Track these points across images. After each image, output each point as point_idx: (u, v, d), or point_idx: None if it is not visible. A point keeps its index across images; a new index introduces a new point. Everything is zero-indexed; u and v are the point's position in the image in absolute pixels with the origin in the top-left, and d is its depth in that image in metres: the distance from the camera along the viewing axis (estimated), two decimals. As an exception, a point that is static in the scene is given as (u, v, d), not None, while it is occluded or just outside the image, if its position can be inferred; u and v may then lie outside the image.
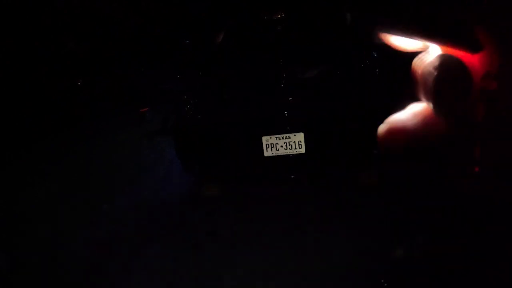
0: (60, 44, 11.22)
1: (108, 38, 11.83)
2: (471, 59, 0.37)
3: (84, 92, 11.34)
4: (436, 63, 0.37)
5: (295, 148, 2.76)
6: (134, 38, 11.74)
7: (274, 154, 2.78)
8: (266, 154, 2.78)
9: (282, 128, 2.80)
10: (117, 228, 3.36)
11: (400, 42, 0.43)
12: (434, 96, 0.38)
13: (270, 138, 2.77)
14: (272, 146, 2.77)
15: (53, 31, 10.90)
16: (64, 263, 2.97)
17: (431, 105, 0.39)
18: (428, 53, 0.41)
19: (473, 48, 0.36)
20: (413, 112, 0.41)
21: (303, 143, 2.76)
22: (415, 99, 0.41)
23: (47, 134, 7.91)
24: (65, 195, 4.30)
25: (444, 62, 0.37)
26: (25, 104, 9.25)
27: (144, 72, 10.38)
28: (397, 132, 0.41)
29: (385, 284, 2.32)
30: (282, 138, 2.76)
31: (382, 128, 0.42)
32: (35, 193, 4.54)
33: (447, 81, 0.37)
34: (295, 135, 2.76)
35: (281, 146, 2.77)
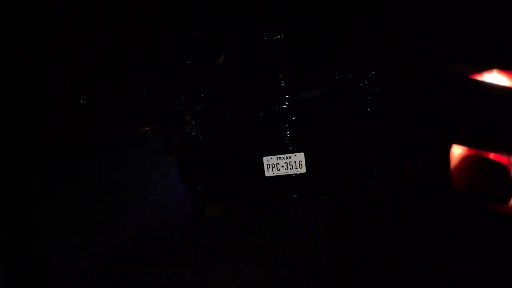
0: (66, 63, 11.36)
1: (111, 56, 11.99)
2: None
3: (86, 110, 11.43)
4: None
5: (296, 168, 2.79)
6: (137, 56, 11.89)
7: (275, 174, 2.81)
8: (267, 174, 2.81)
9: (283, 148, 2.83)
10: (119, 248, 3.36)
11: None
12: None
13: (271, 158, 2.80)
14: (273, 166, 2.80)
15: (61, 52, 11.05)
16: (64, 281, 2.98)
17: None
18: None
19: None
20: None
21: (303, 163, 2.79)
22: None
23: (46, 152, 7.96)
24: (66, 214, 4.31)
25: None
26: (25, 122, 9.33)
27: (146, 91, 10.46)
28: None
29: None
30: (283, 158, 2.80)
31: None
32: (37, 211, 4.55)
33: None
34: (295, 155, 2.79)
35: (282, 166, 2.80)
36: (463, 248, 2.59)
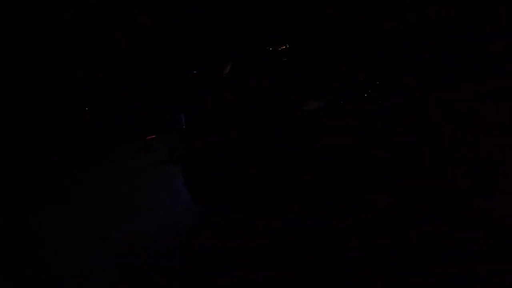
0: (71, 72, 11.46)
1: (117, 67, 12.09)
2: None
3: (92, 118, 11.50)
4: None
5: (303, 178, 2.82)
6: (144, 66, 11.98)
7: (281, 184, 2.83)
8: (273, 184, 2.84)
9: (288, 157, 2.86)
10: (123, 255, 3.37)
11: None
12: None
13: (276, 167, 2.83)
14: (278, 175, 2.83)
15: (65, 62, 11.16)
16: (69, 285, 2.99)
17: None
18: None
19: None
20: None
21: (311, 173, 2.81)
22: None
23: (53, 159, 8.01)
24: (73, 219, 4.34)
25: None
26: (31, 130, 9.40)
27: (153, 101, 10.53)
28: None
29: None
30: (288, 167, 2.82)
31: None
32: (42, 218, 4.58)
33: None
34: (300, 164, 2.82)
35: (287, 175, 2.83)
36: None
